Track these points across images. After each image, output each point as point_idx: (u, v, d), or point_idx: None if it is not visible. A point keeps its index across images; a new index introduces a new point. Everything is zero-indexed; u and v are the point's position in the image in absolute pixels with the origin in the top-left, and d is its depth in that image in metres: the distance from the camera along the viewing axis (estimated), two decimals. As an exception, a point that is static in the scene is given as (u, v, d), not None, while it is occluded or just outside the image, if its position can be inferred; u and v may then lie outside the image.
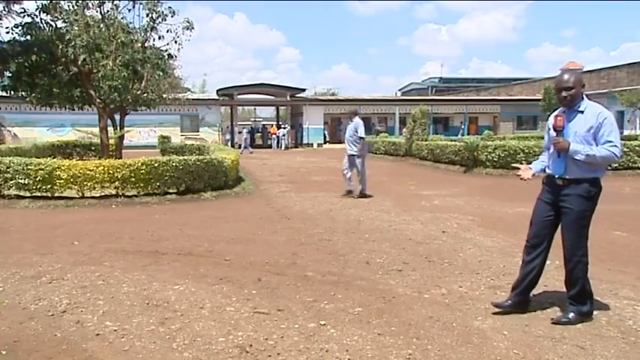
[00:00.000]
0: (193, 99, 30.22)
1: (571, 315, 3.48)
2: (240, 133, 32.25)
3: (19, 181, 8.99)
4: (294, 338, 3.29)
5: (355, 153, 9.89)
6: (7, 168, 9.05)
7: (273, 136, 33.10)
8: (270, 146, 32.77)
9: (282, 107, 40.96)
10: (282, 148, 31.46)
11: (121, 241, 6.18)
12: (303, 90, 34.17)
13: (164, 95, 16.11)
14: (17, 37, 11.33)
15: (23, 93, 12.13)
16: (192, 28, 12.01)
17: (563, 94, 3.37)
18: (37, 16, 11.14)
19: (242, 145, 27.47)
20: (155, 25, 11.86)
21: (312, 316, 3.66)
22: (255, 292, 4.20)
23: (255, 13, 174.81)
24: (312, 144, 33.31)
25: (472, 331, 3.39)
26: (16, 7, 11.29)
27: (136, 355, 3.07)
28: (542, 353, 3.07)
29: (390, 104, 36.45)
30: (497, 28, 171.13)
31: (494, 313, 3.65)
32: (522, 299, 3.65)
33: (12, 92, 12.07)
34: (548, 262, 5.06)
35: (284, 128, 33.20)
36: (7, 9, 11.20)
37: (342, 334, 3.35)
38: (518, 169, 3.76)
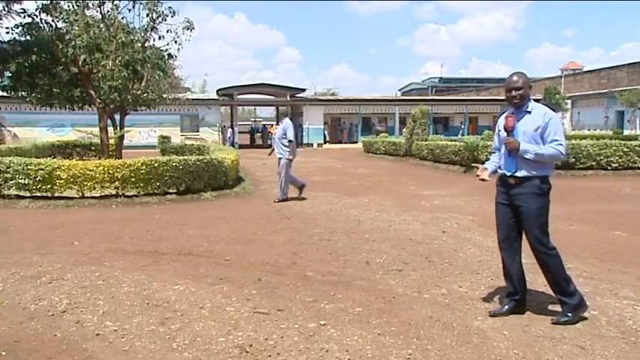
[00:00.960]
0: (193, 99, 30.22)
1: (569, 314, 3.51)
2: (223, 130, 33.04)
3: (19, 181, 8.99)
4: (294, 338, 3.29)
5: (283, 156, 9.34)
6: (7, 168, 9.05)
7: (273, 136, 33.02)
8: (270, 146, 32.76)
9: (282, 107, 40.95)
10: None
11: (121, 241, 6.18)
12: (303, 90, 34.16)
13: (164, 95, 16.08)
14: (17, 37, 11.32)
15: (23, 93, 12.12)
16: (193, 28, 12.00)
17: (513, 93, 3.52)
18: (37, 16, 11.13)
19: (227, 143, 28.47)
20: (155, 25, 11.85)
21: (312, 316, 3.66)
22: (255, 292, 4.20)
23: (255, 13, 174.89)
24: (312, 144, 33.31)
25: (472, 331, 3.39)
26: (16, 7, 11.29)
27: (136, 355, 3.07)
28: (542, 353, 3.06)
29: (390, 104, 36.45)
30: (497, 28, 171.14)
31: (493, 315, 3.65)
32: (519, 300, 3.68)
33: (12, 92, 12.05)
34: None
35: (265, 127, 33.76)
36: (7, 9, 11.20)
37: (342, 334, 3.35)
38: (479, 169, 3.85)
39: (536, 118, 3.48)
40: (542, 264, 3.57)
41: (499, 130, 3.70)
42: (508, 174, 3.54)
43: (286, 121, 9.54)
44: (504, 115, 3.68)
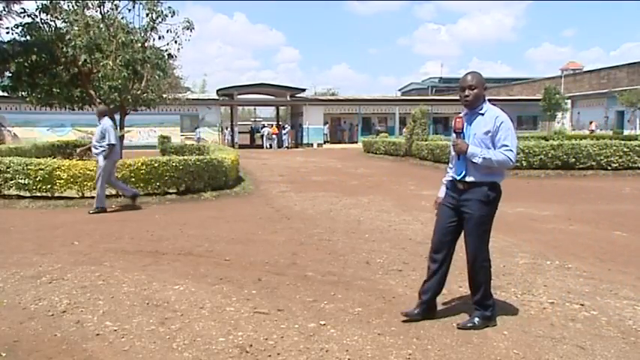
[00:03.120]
0: (193, 99, 30.23)
1: (476, 320, 3.43)
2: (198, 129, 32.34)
3: (19, 181, 8.99)
4: (294, 338, 3.29)
5: (100, 161, 8.27)
6: (7, 168, 9.05)
7: (274, 136, 33.17)
8: (270, 146, 32.87)
9: (282, 107, 40.96)
10: (275, 147, 32.05)
11: (121, 241, 6.18)
12: (303, 90, 34.17)
13: (164, 95, 16.11)
14: (17, 37, 11.34)
15: (23, 93, 12.13)
16: (192, 28, 12.03)
17: (466, 92, 3.38)
18: (37, 16, 11.15)
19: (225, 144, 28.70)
20: (155, 25, 11.87)
21: (312, 316, 3.66)
22: (255, 292, 4.19)
23: (254, 13, 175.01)
24: (312, 144, 33.31)
25: (472, 331, 3.39)
26: (16, 7, 11.31)
27: (135, 355, 3.07)
28: (542, 353, 3.06)
29: (390, 104, 36.43)
30: (497, 28, 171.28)
31: (404, 321, 3.53)
32: (431, 306, 3.59)
33: (12, 92, 12.07)
34: (548, 262, 5.10)
35: (269, 127, 33.70)
36: (7, 9, 11.21)
37: (342, 334, 3.35)
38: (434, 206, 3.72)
39: (487, 121, 3.34)
40: (474, 273, 3.48)
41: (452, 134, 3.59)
42: (457, 178, 3.42)
43: (105, 122, 8.36)
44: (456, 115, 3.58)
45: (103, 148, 8.22)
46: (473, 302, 3.52)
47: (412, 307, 3.60)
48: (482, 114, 3.40)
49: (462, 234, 3.53)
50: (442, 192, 3.65)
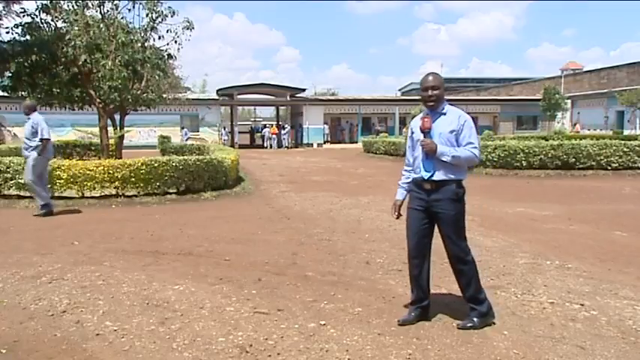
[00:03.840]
0: (193, 99, 30.21)
1: (475, 319, 3.43)
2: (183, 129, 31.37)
3: (19, 181, 8.98)
4: (294, 338, 3.29)
5: (29, 157, 7.80)
6: (7, 168, 9.06)
7: (273, 136, 33.23)
8: (271, 146, 32.94)
9: (282, 107, 40.96)
10: (274, 147, 32.07)
11: (121, 241, 6.18)
12: (303, 90, 34.17)
13: (164, 95, 16.09)
14: (17, 37, 11.32)
15: (23, 93, 12.11)
16: (192, 28, 12.00)
17: (429, 93, 3.41)
18: (37, 16, 11.13)
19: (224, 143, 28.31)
20: (155, 25, 11.85)
21: (312, 316, 3.66)
22: (255, 292, 4.19)
23: (254, 13, 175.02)
24: (312, 144, 33.32)
25: (472, 331, 3.39)
26: (16, 7, 11.30)
27: (135, 355, 3.07)
28: (542, 353, 3.06)
29: (390, 104, 36.45)
30: (497, 27, 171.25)
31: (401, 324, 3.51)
32: (425, 307, 3.60)
33: (12, 92, 12.05)
34: (548, 262, 5.10)
35: (268, 127, 33.68)
36: (7, 9, 11.20)
37: (342, 334, 3.35)
38: (395, 213, 3.69)
39: (452, 120, 3.40)
40: (459, 270, 3.49)
41: (412, 133, 3.57)
42: (425, 177, 3.42)
43: (35, 117, 7.85)
44: (419, 116, 3.57)
45: (35, 144, 7.72)
46: (466, 300, 3.53)
47: (406, 314, 3.60)
48: (445, 113, 3.45)
49: (439, 235, 3.52)
50: (401, 195, 3.67)
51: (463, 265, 3.48)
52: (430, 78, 3.45)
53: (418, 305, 3.59)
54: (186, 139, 28.85)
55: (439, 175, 3.39)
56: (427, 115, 3.46)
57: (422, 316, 3.58)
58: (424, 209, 3.47)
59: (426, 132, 3.42)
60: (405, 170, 3.68)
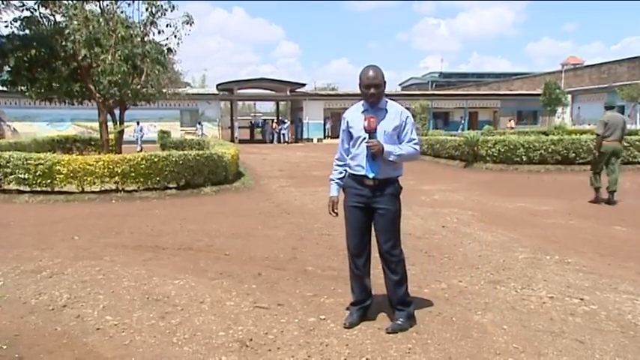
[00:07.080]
0: (193, 94, 30.13)
1: (400, 320, 3.34)
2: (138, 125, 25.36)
3: (19, 175, 8.99)
4: (294, 332, 3.30)
5: None
6: (7, 163, 9.05)
7: (274, 130, 33.26)
8: (271, 141, 32.97)
9: (282, 102, 40.89)
10: (275, 142, 32.09)
11: (121, 235, 6.19)
12: (303, 85, 34.09)
13: (164, 90, 16.05)
14: (16, 32, 11.29)
15: (22, 87, 12.10)
16: (192, 22, 11.96)
17: (372, 90, 3.25)
18: (36, 10, 11.10)
19: (138, 141, 23.97)
20: (154, 19, 11.82)
21: (312, 311, 3.67)
22: (255, 287, 4.20)
23: (253, 7, 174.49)
24: (312, 139, 33.29)
25: (472, 325, 3.40)
26: (15, 1, 11.24)
27: (136, 350, 3.08)
28: (542, 347, 3.07)
29: (390, 99, 36.22)
30: (497, 22, 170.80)
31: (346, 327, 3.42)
32: (367, 307, 3.51)
33: (11, 87, 12.04)
34: (548, 257, 5.10)
35: (267, 123, 33.52)
36: (5, 2, 11.15)
37: (341, 328, 3.36)
38: (333, 212, 3.60)
39: (394, 117, 3.29)
40: (392, 270, 3.36)
41: (350, 128, 3.38)
42: (370, 176, 3.29)
43: None
44: (354, 108, 3.43)
45: None
46: (395, 303, 3.39)
47: (349, 316, 3.46)
48: (387, 109, 3.33)
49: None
50: (335, 191, 3.55)
51: (397, 265, 3.37)
52: (371, 74, 3.24)
53: (361, 306, 3.48)
54: (141, 137, 24.41)
55: (383, 174, 3.29)
56: (373, 116, 3.26)
57: (364, 317, 3.47)
58: (364, 206, 3.36)
59: (371, 132, 3.25)
60: (338, 165, 3.53)
